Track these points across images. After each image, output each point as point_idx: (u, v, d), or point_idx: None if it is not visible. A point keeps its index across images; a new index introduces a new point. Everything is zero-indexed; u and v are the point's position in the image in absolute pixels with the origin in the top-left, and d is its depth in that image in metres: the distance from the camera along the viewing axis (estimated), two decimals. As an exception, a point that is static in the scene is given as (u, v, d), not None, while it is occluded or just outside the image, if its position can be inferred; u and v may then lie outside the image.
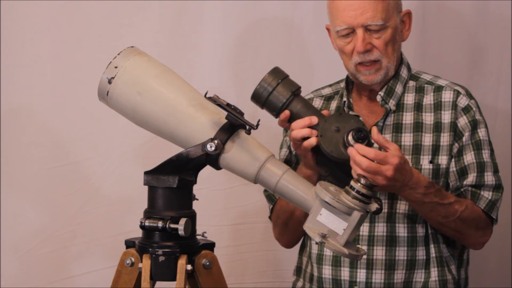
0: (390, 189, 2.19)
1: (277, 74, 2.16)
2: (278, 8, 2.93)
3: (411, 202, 2.27)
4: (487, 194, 2.33)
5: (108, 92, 2.01)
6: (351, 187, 1.91)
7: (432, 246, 2.36)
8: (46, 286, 2.87)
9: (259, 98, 2.16)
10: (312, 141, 2.13)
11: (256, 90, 2.15)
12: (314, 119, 2.14)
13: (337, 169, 2.16)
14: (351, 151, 2.08)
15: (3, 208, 2.86)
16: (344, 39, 2.34)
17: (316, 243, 1.90)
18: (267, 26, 2.94)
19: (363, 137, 2.09)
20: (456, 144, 2.36)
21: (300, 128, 2.14)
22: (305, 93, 2.54)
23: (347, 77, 2.48)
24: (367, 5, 2.30)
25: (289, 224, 2.45)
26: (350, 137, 2.10)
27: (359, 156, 2.07)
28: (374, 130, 2.12)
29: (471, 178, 2.34)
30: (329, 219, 1.91)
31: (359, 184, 1.90)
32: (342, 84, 2.51)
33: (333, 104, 2.50)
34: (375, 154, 2.07)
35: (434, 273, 2.36)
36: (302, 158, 2.23)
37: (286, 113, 2.16)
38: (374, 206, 1.92)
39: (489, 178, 2.35)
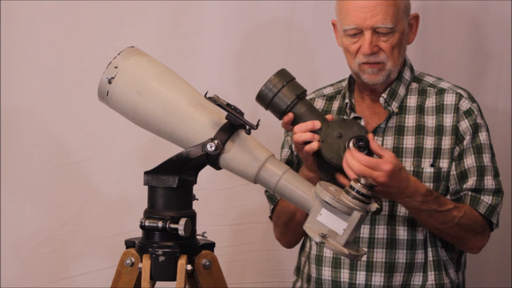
0: (385, 195, 2.16)
1: (283, 76, 2.14)
2: (278, 8, 2.93)
3: (409, 209, 2.26)
4: (487, 199, 2.32)
5: (108, 92, 2.01)
6: (351, 187, 1.91)
7: (430, 249, 2.35)
8: (46, 286, 2.87)
9: (263, 99, 2.14)
10: (314, 145, 2.11)
11: (261, 91, 2.13)
12: (317, 124, 2.11)
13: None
14: (346, 154, 2.06)
15: (3, 208, 2.86)
16: (350, 39, 2.33)
17: (316, 243, 1.90)
18: (267, 26, 2.94)
19: (364, 146, 2.07)
20: (457, 148, 2.35)
21: (302, 131, 2.12)
22: (305, 93, 2.54)
23: (350, 77, 2.47)
24: (378, 7, 2.27)
25: (290, 226, 2.44)
26: (350, 145, 2.08)
27: (353, 159, 2.05)
28: (370, 137, 2.10)
29: (471, 182, 2.33)
30: (329, 219, 1.91)
31: (359, 184, 1.90)
32: (344, 83, 2.49)
33: (335, 104, 2.49)
34: (366, 160, 2.04)
35: (431, 276, 2.35)
36: (304, 161, 2.22)
37: (290, 115, 2.13)
38: (374, 206, 1.91)
39: (489, 182, 2.34)
